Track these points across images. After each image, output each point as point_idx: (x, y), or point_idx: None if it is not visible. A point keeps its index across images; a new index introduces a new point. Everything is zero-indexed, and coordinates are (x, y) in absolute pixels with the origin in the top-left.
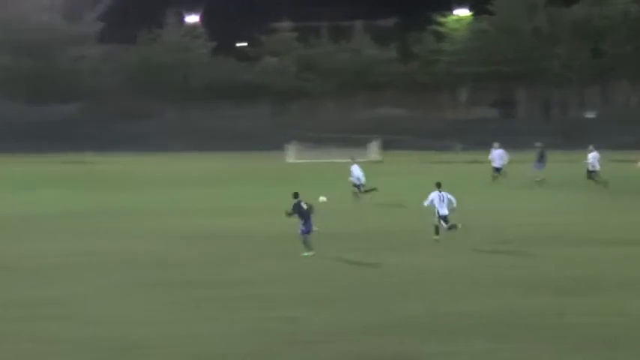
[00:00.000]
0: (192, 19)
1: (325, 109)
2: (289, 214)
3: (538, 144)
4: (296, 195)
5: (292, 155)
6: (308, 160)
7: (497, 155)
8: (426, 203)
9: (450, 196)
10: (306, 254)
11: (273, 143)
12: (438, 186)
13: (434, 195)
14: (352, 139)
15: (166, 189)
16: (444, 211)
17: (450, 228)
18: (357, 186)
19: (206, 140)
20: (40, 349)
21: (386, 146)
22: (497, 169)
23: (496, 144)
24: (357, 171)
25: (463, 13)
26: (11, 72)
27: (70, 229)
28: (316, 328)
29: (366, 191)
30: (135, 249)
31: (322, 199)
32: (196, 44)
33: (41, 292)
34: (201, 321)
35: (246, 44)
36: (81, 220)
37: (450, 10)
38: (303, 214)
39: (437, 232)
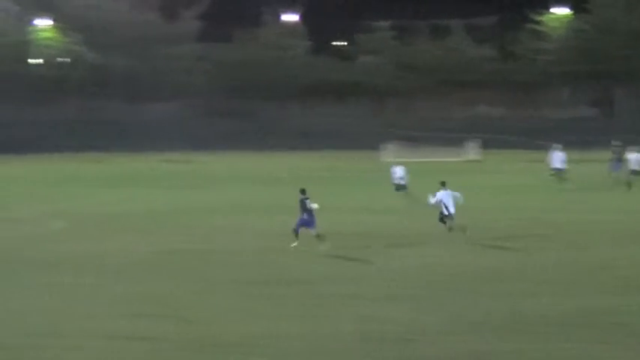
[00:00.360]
0: (290, 17)
1: (423, 108)
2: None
3: (616, 143)
4: (303, 191)
5: (389, 154)
6: (405, 159)
7: (558, 157)
8: (432, 201)
9: (455, 194)
10: (294, 245)
11: (370, 142)
12: (443, 184)
13: (441, 194)
14: (450, 137)
15: (262, 187)
16: (452, 210)
17: (452, 228)
18: (401, 186)
19: (302, 139)
20: (141, 347)
21: (484, 145)
22: (558, 170)
23: (558, 145)
24: (399, 172)
25: (561, 11)
26: (108, 71)
27: (168, 227)
28: (413, 326)
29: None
30: (231, 247)
31: (315, 205)
32: (294, 43)
33: (142, 289)
34: (297, 319)
35: (343, 43)
36: (177, 218)
37: (548, 8)
38: (306, 210)
39: (444, 222)
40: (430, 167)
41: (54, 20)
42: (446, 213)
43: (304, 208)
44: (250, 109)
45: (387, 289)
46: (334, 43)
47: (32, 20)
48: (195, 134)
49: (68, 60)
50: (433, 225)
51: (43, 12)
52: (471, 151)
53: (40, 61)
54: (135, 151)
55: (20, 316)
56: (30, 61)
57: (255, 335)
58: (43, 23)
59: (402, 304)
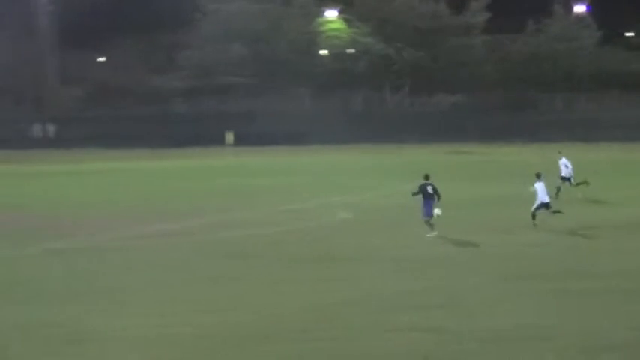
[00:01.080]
0: (580, 8)
1: None
2: (414, 194)
3: None
4: (426, 177)
5: None
6: None
7: None
8: (532, 190)
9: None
10: (429, 235)
11: None
12: (538, 177)
13: (538, 185)
14: None
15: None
16: (546, 199)
17: (554, 212)
18: (567, 179)
19: (591, 131)
20: (427, 338)
21: None
22: None
23: None
24: (564, 164)
25: None
26: (396, 62)
27: (450, 220)
28: None
29: (577, 184)
30: (509, 240)
31: (437, 212)
32: (583, 34)
33: (422, 283)
34: (569, 313)
35: (634, 34)
36: (462, 211)
37: None
38: (426, 196)
39: (535, 216)
40: None
41: (341, 12)
42: (540, 202)
43: (424, 194)
44: (538, 100)
45: None
46: (624, 34)
47: (322, 12)
48: (482, 126)
49: (355, 51)
50: None
51: (332, 3)
52: None
53: (327, 52)
54: (421, 143)
55: (297, 311)
56: (319, 52)
57: (528, 327)
58: (331, 15)
59: None
